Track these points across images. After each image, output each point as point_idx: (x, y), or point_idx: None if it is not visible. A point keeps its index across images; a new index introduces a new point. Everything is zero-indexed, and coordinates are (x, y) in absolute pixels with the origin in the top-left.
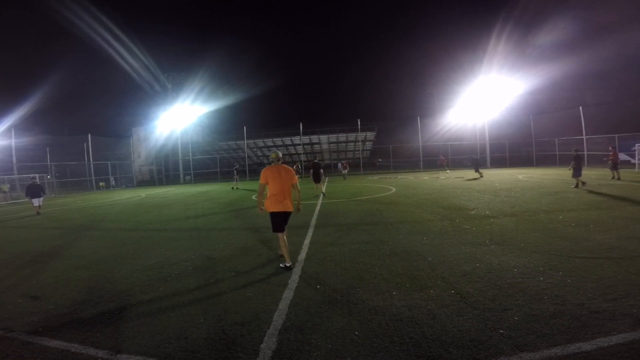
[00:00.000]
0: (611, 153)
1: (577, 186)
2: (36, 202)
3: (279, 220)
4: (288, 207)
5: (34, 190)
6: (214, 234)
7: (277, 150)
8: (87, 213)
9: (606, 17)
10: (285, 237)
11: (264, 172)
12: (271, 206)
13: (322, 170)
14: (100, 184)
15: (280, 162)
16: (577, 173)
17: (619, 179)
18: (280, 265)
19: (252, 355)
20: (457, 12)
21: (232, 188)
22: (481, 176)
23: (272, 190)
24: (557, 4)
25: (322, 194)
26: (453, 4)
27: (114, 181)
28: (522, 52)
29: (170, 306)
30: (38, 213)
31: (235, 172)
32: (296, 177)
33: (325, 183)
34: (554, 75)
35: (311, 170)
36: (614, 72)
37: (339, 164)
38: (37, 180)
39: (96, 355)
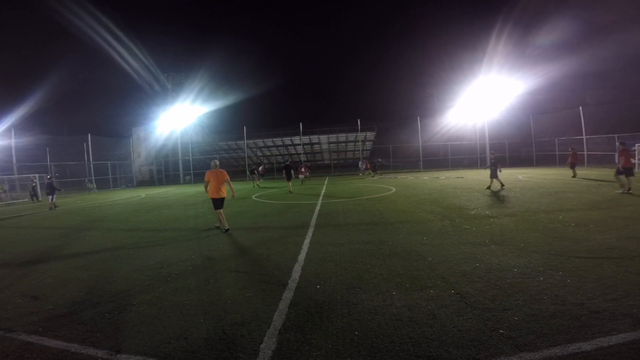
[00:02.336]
0: (571, 154)
1: (489, 187)
2: (51, 198)
3: (218, 202)
4: (222, 194)
5: (50, 188)
6: (214, 234)
7: (215, 160)
8: (87, 213)
9: (606, 17)
10: (222, 212)
11: (207, 174)
12: (211, 194)
13: (292, 171)
14: (91, 185)
15: (217, 168)
16: (493, 174)
17: (574, 176)
18: (222, 229)
19: (252, 355)
20: (457, 12)
21: (254, 186)
22: (380, 176)
23: (211, 185)
24: (557, 4)
25: (290, 191)
26: (453, 4)
27: (90, 183)
28: (522, 52)
29: (170, 306)
30: (52, 207)
31: (254, 172)
32: (227, 176)
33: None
34: (554, 75)
35: (284, 171)
36: (614, 72)
37: (360, 163)
38: (53, 179)
39: (96, 355)
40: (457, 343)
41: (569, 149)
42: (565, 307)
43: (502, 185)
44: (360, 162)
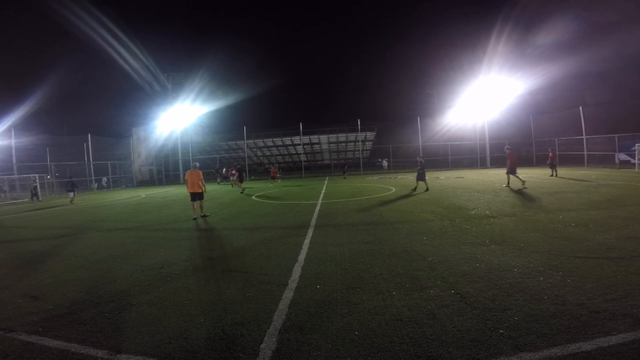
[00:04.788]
0: (551, 155)
1: (415, 189)
2: (71, 194)
3: (193, 196)
4: (196, 190)
5: (70, 186)
6: (213, 234)
7: (195, 163)
8: (87, 213)
9: (606, 17)
10: (195, 205)
11: (186, 174)
12: (189, 189)
13: (244, 174)
14: (93, 185)
15: (194, 169)
16: (420, 177)
17: (555, 176)
18: (193, 218)
19: (252, 355)
20: (457, 12)
21: (219, 184)
22: (237, 186)
23: (189, 182)
24: (557, 4)
25: (242, 191)
26: (453, 4)
27: (102, 183)
28: (522, 52)
29: (170, 306)
30: (71, 202)
31: (218, 171)
32: (201, 176)
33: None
34: (554, 75)
35: (236, 174)
36: (614, 72)
37: (384, 162)
38: (73, 178)
39: (96, 355)
40: (457, 343)
41: (549, 149)
42: (565, 307)
43: (417, 188)
44: (383, 161)
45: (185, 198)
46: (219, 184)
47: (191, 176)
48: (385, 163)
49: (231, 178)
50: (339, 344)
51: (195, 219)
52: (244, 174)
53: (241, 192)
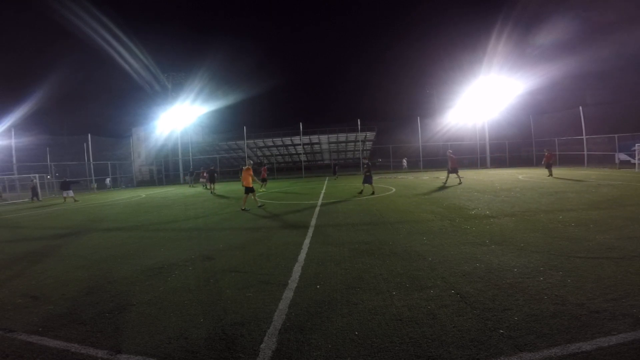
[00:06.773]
0: (547, 155)
1: (362, 192)
2: (65, 193)
3: (246, 190)
4: (247, 184)
5: (65, 185)
6: (214, 234)
7: (249, 160)
8: (87, 213)
9: (606, 17)
10: (246, 197)
11: (243, 170)
12: (243, 183)
13: (215, 175)
14: (93, 185)
15: (249, 166)
16: (368, 180)
17: (550, 175)
18: (242, 209)
19: (252, 355)
20: (457, 12)
21: (190, 186)
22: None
23: (242, 177)
24: (557, 4)
25: (213, 193)
26: (453, 4)
27: (105, 183)
28: (522, 52)
29: (170, 306)
30: (75, 200)
31: (193, 174)
32: (251, 172)
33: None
34: (554, 75)
35: (207, 175)
36: (614, 72)
37: (404, 161)
38: (67, 178)
39: (96, 355)
40: (457, 343)
41: (544, 150)
42: (565, 307)
43: (372, 192)
44: (404, 161)
45: (185, 198)
46: (191, 186)
47: (244, 172)
48: (405, 162)
49: (201, 180)
50: (339, 344)
51: (244, 209)
52: (215, 175)
53: (211, 193)
